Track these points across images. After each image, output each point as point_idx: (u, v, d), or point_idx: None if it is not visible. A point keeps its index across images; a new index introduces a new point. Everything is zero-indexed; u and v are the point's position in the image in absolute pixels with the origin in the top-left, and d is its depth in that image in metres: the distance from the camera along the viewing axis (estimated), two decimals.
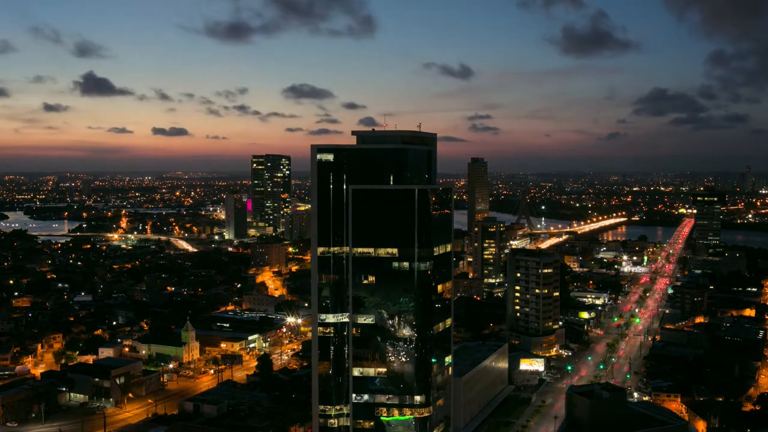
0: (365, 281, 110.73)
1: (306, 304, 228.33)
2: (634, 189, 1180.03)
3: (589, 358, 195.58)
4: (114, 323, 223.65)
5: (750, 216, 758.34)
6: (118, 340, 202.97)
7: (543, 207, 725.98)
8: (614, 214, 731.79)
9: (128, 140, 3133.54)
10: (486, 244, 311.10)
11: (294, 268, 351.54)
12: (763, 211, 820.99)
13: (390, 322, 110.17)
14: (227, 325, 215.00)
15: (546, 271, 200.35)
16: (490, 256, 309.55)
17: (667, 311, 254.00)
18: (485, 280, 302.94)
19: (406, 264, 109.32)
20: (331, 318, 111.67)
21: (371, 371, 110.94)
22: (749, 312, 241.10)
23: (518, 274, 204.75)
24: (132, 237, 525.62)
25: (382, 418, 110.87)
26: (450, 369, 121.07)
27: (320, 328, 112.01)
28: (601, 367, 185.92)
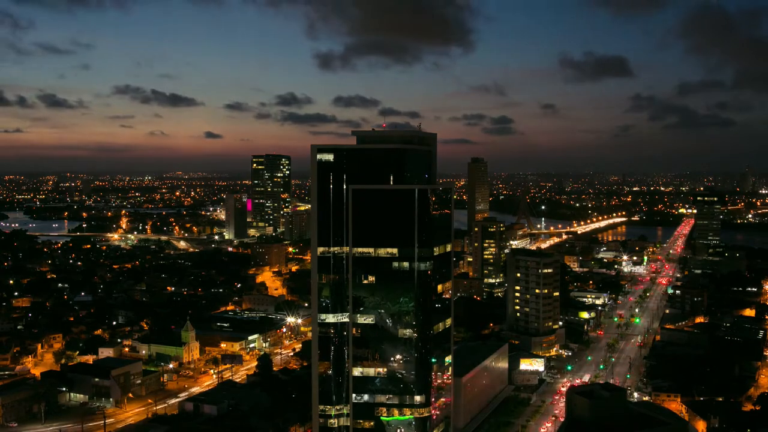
0: (365, 281, 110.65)
1: (306, 304, 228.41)
2: (634, 189, 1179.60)
3: (589, 358, 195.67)
4: (114, 323, 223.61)
5: (750, 216, 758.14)
6: (118, 340, 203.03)
7: (543, 207, 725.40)
8: (614, 214, 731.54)
9: (162, 141, 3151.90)
10: (486, 244, 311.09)
11: (294, 268, 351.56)
12: (763, 211, 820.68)
13: (390, 322, 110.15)
14: (227, 325, 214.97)
15: (546, 271, 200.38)
16: (490, 256, 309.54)
17: (667, 311, 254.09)
18: (485, 280, 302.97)
19: (406, 264, 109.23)
20: (331, 318, 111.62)
21: (371, 371, 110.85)
22: (749, 312, 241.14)
23: (518, 274, 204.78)
24: (132, 237, 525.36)
25: (382, 418, 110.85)
26: (450, 369, 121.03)
27: (320, 328, 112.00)
28: (602, 367, 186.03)
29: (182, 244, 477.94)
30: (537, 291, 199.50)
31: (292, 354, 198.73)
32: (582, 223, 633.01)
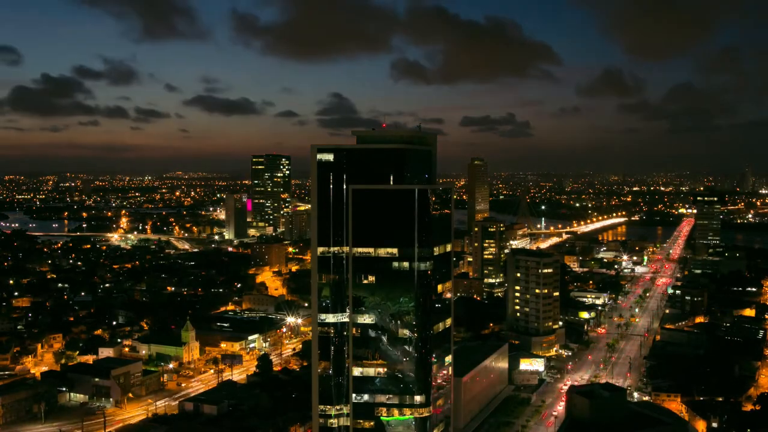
0: (365, 281, 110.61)
1: (306, 304, 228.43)
2: (634, 189, 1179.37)
3: (589, 358, 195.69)
4: (114, 323, 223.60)
5: (750, 216, 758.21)
6: (118, 340, 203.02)
7: (543, 207, 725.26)
8: (614, 214, 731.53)
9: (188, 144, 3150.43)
10: (486, 244, 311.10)
11: (294, 268, 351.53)
12: (763, 211, 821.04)
13: (390, 322, 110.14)
14: (227, 325, 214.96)
15: (546, 271, 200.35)
16: (490, 256, 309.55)
17: (667, 311, 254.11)
18: (485, 280, 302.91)
19: (406, 264, 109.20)
20: (331, 318, 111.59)
21: (371, 371, 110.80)
22: (749, 312, 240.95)
23: (518, 274, 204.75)
24: (132, 237, 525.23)
25: (382, 418, 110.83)
26: (450, 369, 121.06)
27: (320, 328, 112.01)
28: (601, 367, 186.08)
29: (182, 244, 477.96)
30: (537, 291, 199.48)
31: (292, 354, 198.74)
32: (582, 223, 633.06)
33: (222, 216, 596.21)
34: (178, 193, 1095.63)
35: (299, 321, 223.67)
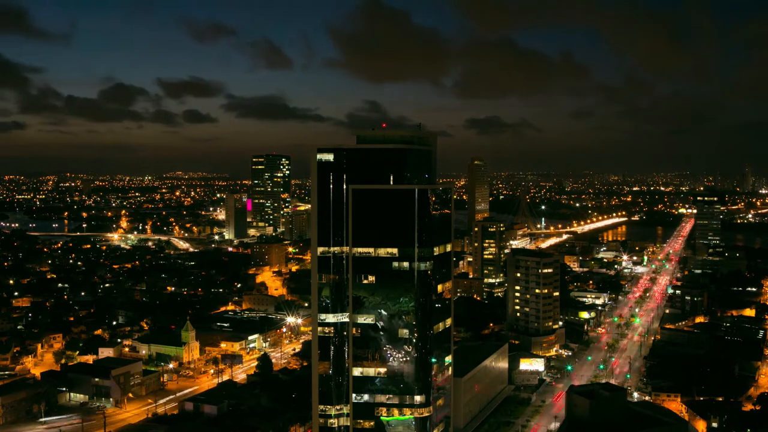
0: (365, 281, 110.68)
1: (306, 304, 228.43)
2: (634, 189, 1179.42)
3: (589, 358, 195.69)
4: (114, 323, 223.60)
5: (750, 216, 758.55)
6: (118, 340, 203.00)
7: (543, 207, 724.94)
8: (614, 214, 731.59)
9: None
10: (486, 244, 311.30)
11: (294, 268, 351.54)
12: (763, 211, 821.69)
13: (390, 322, 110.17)
14: (227, 325, 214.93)
15: (546, 271, 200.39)
16: (490, 256, 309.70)
17: (667, 311, 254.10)
18: (485, 280, 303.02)
19: (406, 264, 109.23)
20: (331, 318, 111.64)
21: (371, 371, 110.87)
22: (749, 312, 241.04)
23: (518, 274, 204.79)
24: (132, 237, 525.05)
25: (382, 418, 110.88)
26: (450, 369, 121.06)
27: (320, 328, 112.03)
28: (601, 367, 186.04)
29: (182, 244, 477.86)
30: (537, 291, 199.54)
31: (292, 354, 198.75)
32: (582, 223, 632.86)
33: (222, 216, 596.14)
34: (178, 193, 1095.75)
35: (299, 321, 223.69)
